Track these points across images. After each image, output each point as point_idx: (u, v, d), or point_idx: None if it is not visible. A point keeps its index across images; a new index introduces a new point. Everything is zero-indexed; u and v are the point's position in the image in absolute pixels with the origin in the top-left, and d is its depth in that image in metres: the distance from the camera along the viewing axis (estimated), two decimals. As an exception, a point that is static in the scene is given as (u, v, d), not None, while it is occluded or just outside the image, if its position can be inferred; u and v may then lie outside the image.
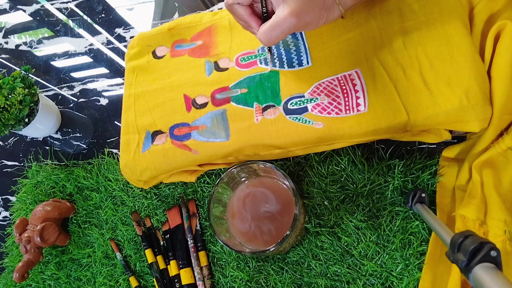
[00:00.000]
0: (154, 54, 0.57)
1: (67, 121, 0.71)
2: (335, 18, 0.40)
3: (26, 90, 0.62)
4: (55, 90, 0.75)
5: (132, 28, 0.73)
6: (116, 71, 0.71)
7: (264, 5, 0.40)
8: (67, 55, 0.77)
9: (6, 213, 0.72)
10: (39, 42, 0.81)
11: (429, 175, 0.45)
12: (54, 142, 0.71)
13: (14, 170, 0.73)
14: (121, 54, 0.72)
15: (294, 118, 0.45)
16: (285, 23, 0.37)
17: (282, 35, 0.38)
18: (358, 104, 0.43)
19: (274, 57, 0.49)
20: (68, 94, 0.73)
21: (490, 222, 0.40)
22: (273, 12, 0.39)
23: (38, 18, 0.83)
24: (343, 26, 0.47)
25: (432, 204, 0.44)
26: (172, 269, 0.54)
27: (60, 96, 0.74)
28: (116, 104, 0.69)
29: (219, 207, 0.47)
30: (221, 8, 0.67)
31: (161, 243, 0.57)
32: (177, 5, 0.71)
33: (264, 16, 0.40)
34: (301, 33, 0.49)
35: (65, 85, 0.74)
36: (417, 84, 0.41)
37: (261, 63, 0.50)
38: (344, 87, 0.45)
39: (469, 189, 0.42)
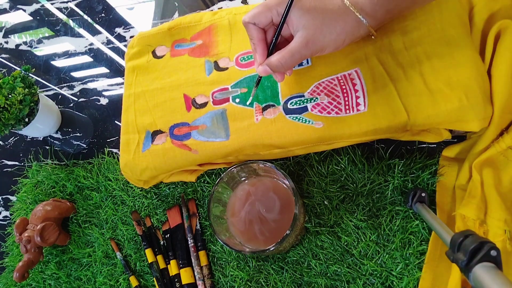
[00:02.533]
0: (154, 53, 0.57)
1: (67, 120, 0.71)
2: (361, 36, 0.40)
3: (26, 89, 0.62)
4: (55, 89, 0.75)
5: (132, 27, 0.73)
6: (116, 71, 0.71)
7: (277, 33, 0.40)
8: (67, 54, 0.77)
9: (7, 213, 0.72)
10: (39, 41, 0.81)
11: (429, 175, 0.45)
12: (54, 141, 0.71)
13: (14, 170, 0.73)
14: (121, 53, 0.72)
15: (294, 118, 0.45)
16: (300, 53, 0.38)
17: (295, 63, 0.39)
18: (358, 104, 0.43)
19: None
20: (68, 94, 0.73)
21: (490, 221, 0.40)
22: (285, 42, 0.39)
23: (38, 17, 0.83)
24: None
25: (432, 203, 0.44)
26: (172, 268, 0.54)
27: (60, 96, 0.74)
28: (116, 103, 0.69)
29: (219, 207, 0.47)
30: (221, 7, 0.67)
31: (161, 242, 0.57)
32: (177, 4, 0.71)
33: (272, 46, 0.40)
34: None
35: (65, 84, 0.74)
36: (417, 83, 0.41)
37: (261, 62, 0.50)
38: (344, 87, 0.45)
39: (469, 189, 0.42)
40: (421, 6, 0.43)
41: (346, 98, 0.44)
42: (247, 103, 0.48)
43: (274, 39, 0.40)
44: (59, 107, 0.72)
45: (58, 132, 0.71)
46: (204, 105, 0.50)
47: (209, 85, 0.51)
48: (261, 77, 0.44)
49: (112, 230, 0.60)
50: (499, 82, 0.41)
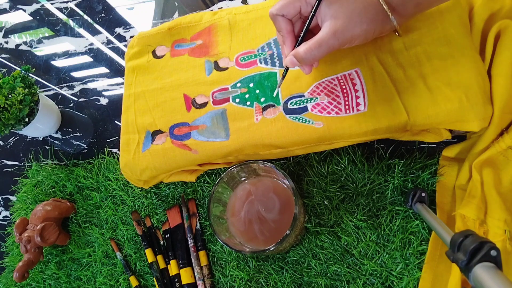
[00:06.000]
0: (154, 53, 0.57)
1: (67, 120, 0.71)
2: (391, 29, 0.39)
3: (26, 89, 0.62)
4: (55, 89, 0.75)
5: (132, 27, 0.73)
6: (116, 71, 0.71)
7: (308, 23, 0.39)
8: (67, 54, 0.77)
9: (7, 213, 0.72)
10: (39, 41, 0.81)
11: (429, 175, 0.45)
12: (54, 141, 0.71)
13: (14, 170, 0.73)
14: (121, 53, 0.72)
15: (294, 118, 0.45)
16: (327, 44, 0.36)
17: (322, 54, 0.37)
18: (358, 104, 0.43)
19: (274, 56, 0.49)
20: (68, 94, 0.73)
21: (490, 221, 0.40)
22: (312, 34, 0.38)
23: (38, 17, 0.83)
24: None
25: (432, 203, 0.44)
26: (172, 268, 0.54)
27: (60, 96, 0.74)
28: (116, 103, 0.69)
29: (219, 207, 0.47)
30: (221, 7, 0.67)
31: (161, 242, 0.57)
32: (177, 4, 0.71)
33: (302, 36, 0.40)
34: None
35: (65, 84, 0.74)
36: (417, 83, 0.41)
37: (260, 62, 0.50)
38: (344, 87, 0.45)
39: (469, 189, 0.42)
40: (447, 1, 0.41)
41: (346, 98, 0.44)
42: (274, 94, 0.47)
43: (304, 30, 0.39)
44: (59, 107, 0.72)
45: (58, 132, 0.71)
46: (204, 105, 0.50)
47: (209, 85, 0.51)
48: (288, 69, 0.42)
49: (112, 230, 0.60)
50: (499, 82, 0.41)
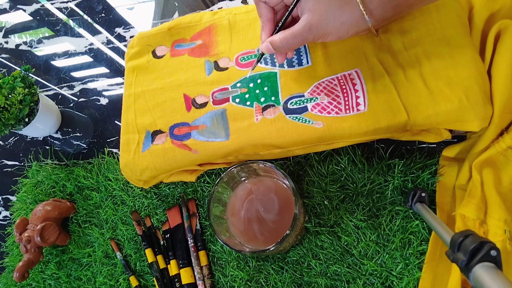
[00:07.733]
0: (154, 53, 0.57)
1: (67, 120, 0.71)
2: (368, 30, 0.39)
3: (26, 89, 0.62)
4: (55, 89, 0.75)
5: (132, 27, 0.73)
6: (116, 71, 0.71)
7: (286, 16, 0.40)
8: (67, 54, 0.77)
9: (7, 213, 0.72)
10: (39, 41, 0.81)
11: (429, 175, 0.45)
12: (54, 141, 0.71)
13: (14, 170, 0.73)
14: (121, 53, 0.72)
15: (294, 118, 0.45)
16: (302, 36, 0.38)
17: (297, 45, 0.39)
18: (358, 104, 0.43)
19: (274, 56, 0.49)
20: (68, 94, 0.73)
21: (490, 221, 0.40)
22: (294, 22, 0.39)
23: (38, 17, 0.83)
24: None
25: (432, 203, 0.44)
26: (172, 268, 0.54)
27: (60, 96, 0.74)
28: (116, 103, 0.69)
29: (219, 207, 0.47)
30: (221, 7, 0.67)
31: (161, 242, 0.57)
32: (177, 4, 0.71)
33: (280, 26, 0.41)
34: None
35: (65, 84, 0.74)
36: (417, 83, 0.41)
37: (260, 62, 0.50)
38: (344, 87, 0.45)
39: (469, 189, 0.42)
40: (431, 3, 0.41)
41: (346, 98, 0.44)
42: (248, 75, 0.48)
43: (282, 21, 0.40)
44: (59, 107, 0.72)
45: (58, 132, 0.71)
46: (204, 105, 0.50)
47: (209, 85, 0.51)
48: (263, 54, 0.44)
49: (112, 230, 0.60)
50: (499, 82, 0.41)
